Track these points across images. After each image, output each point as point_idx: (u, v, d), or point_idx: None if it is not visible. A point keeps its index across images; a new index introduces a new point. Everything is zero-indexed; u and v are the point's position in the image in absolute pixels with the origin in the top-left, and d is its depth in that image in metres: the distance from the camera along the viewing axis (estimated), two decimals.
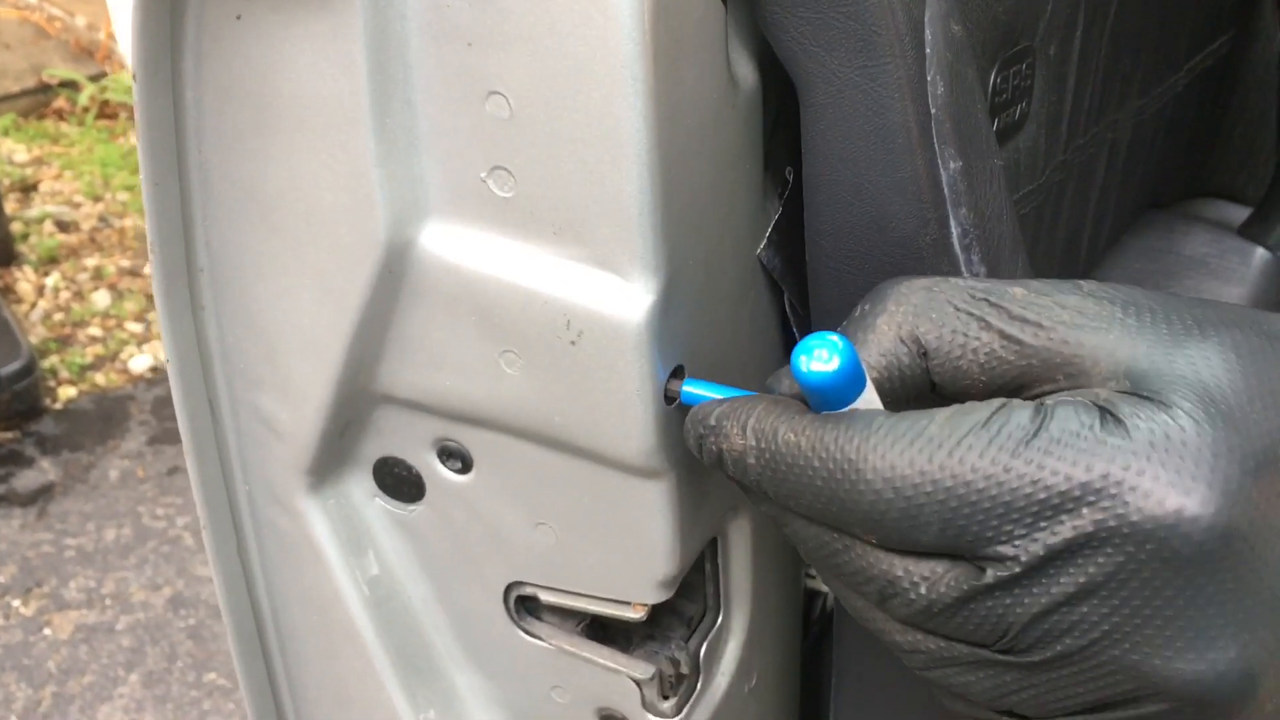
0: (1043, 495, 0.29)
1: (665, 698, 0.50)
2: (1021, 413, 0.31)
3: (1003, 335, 0.33)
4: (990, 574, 0.30)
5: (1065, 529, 0.29)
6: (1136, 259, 0.90)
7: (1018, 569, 0.30)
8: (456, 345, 0.43)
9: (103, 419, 2.57)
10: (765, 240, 0.47)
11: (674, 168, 0.38)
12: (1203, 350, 0.31)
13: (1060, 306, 0.33)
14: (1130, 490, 0.29)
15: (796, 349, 0.33)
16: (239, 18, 0.40)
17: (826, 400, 0.33)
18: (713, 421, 0.36)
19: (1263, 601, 0.29)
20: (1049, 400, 0.31)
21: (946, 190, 0.43)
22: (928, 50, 0.42)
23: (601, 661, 0.50)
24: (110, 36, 3.95)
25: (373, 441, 0.48)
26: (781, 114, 0.46)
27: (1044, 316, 0.33)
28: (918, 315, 0.35)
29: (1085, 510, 0.29)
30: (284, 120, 0.41)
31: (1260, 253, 0.96)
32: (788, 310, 0.50)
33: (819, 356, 0.32)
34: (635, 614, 0.48)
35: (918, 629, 0.33)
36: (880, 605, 0.34)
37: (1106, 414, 0.30)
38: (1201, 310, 0.33)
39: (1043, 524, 0.29)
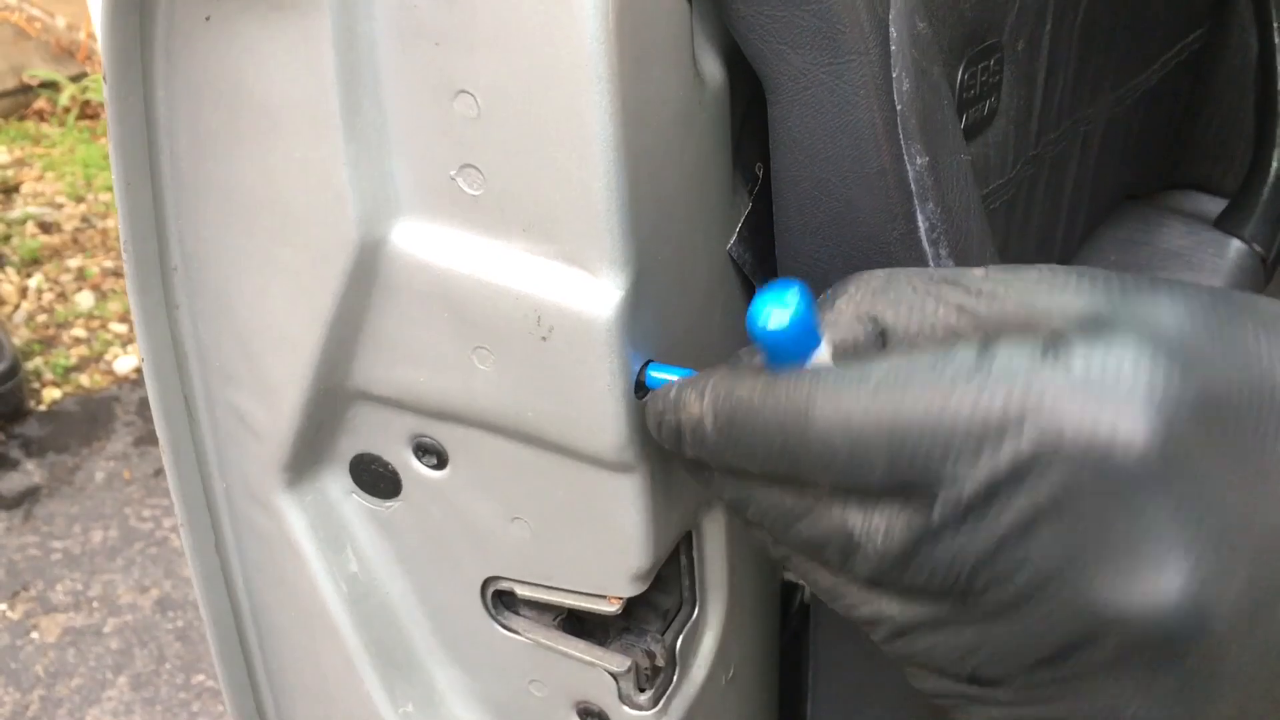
0: (981, 421, 0.30)
1: (642, 690, 0.51)
2: (967, 350, 0.31)
3: (959, 308, 0.34)
4: (938, 512, 0.31)
5: (1005, 454, 0.29)
6: (1112, 251, 0.90)
7: (963, 502, 0.30)
8: (429, 342, 0.43)
9: (88, 420, 2.57)
10: (736, 235, 0.47)
11: (641, 165, 0.39)
12: (1155, 300, 0.31)
13: (1017, 278, 0.34)
14: (1068, 412, 0.29)
15: (752, 304, 0.34)
16: (208, 19, 0.40)
17: (782, 354, 0.34)
18: (672, 395, 0.37)
19: (1209, 528, 0.29)
20: (1002, 342, 0.32)
21: (913, 185, 0.44)
22: (893, 48, 0.42)
23: (578, 655, 0.50)
24: (91, 36, 3.94)
25: (349, 438, 0.49)
26: (750, 111, 0.47)
27: (999, 287, 0.34)
28: (876, 296, 0.36)
29: (1024, 432, 0.29)
30: (255, 120, 0.41)
31: (1235, 244, 0.97)
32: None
33: (773, 314, 0.33)
34: (611, 607, 0.48)
35: (879, 591, 0.34)
36: (842, 568, 0.34)
37: (1052, 348, 0.30)
38: (1163, 278, 0.33)
39: (985, 451, 0.30)
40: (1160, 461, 0.29)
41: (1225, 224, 0.98)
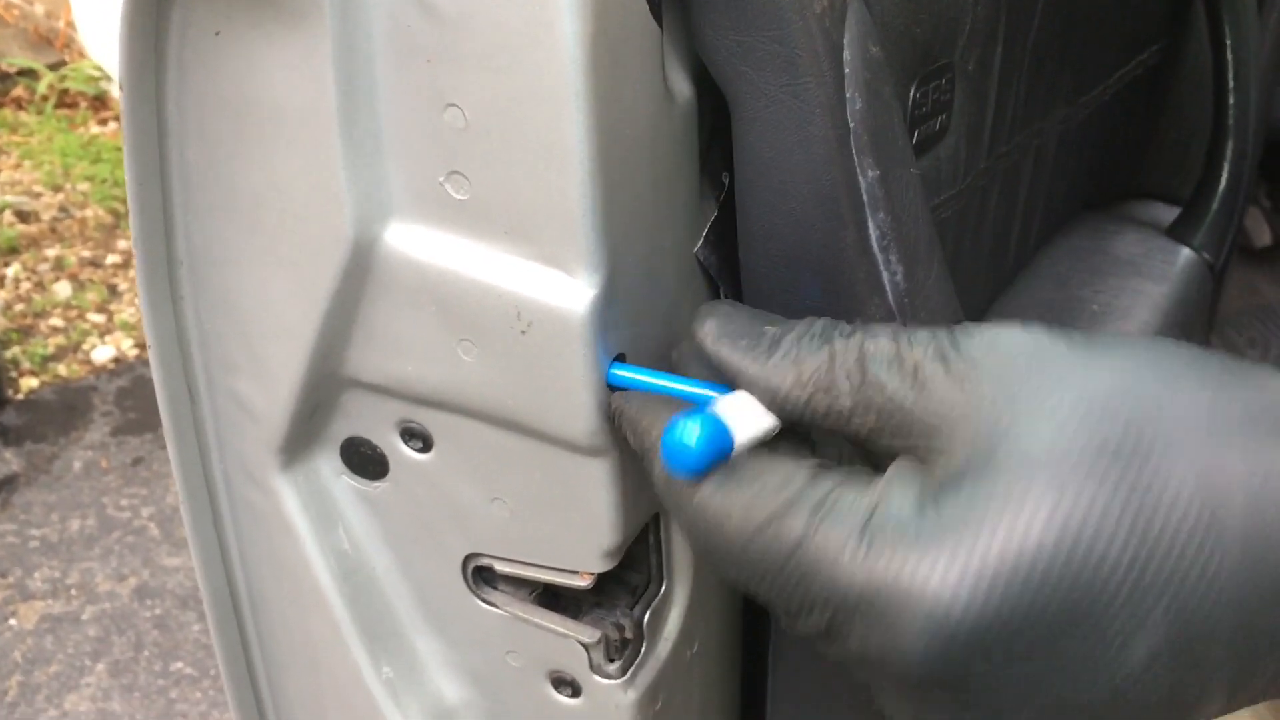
0: (803, 594, 0.35)
1: (611, 660, 0.55)
2: (798, 517, 0.36)
3: (878, 412, 0.37)
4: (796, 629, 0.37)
5: (813, 622, 0.35)
6: (1065, 258, 0.95)
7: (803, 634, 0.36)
8: (418, 334, 0.47)
9: (65, 410, 2.58)
10: (702, 240, 0.51)
11: (614, 174, 0.42)
12: (1032, 471, 0.32)
13: (934, 387, 0.36)
14: (860, 610, 0.34)
15: (664, 438, 0.38)
16: (218, 34, 0.44)
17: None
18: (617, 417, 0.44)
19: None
20: (841, 495, 0.36)
21: (865, 196, 0.48)
22: (846, 70, 0.46)
23: (552, 627, 0.54)
24: (70, 25, 3.92)
25: (340, 422, 0.52)
26: (717, 124, 0.51)
27: (912, 398, 0.36)
28: (810, 373, 0.38)
29: (829, 618, 0.35)
30: (259, 127, 0.45)
31: (1185, 253, 1.01)
32: None
33: (680, 449, 0.38)
34: (583, 582, 0.52)
35: None
36: None
37: (873, 522, 0.34)
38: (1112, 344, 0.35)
39: (805, 615, 0.35)
40: (927, 673, 0.32)
41: (1176, 233, 1.02)
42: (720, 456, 0.38)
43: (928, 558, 0.32)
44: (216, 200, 0.48)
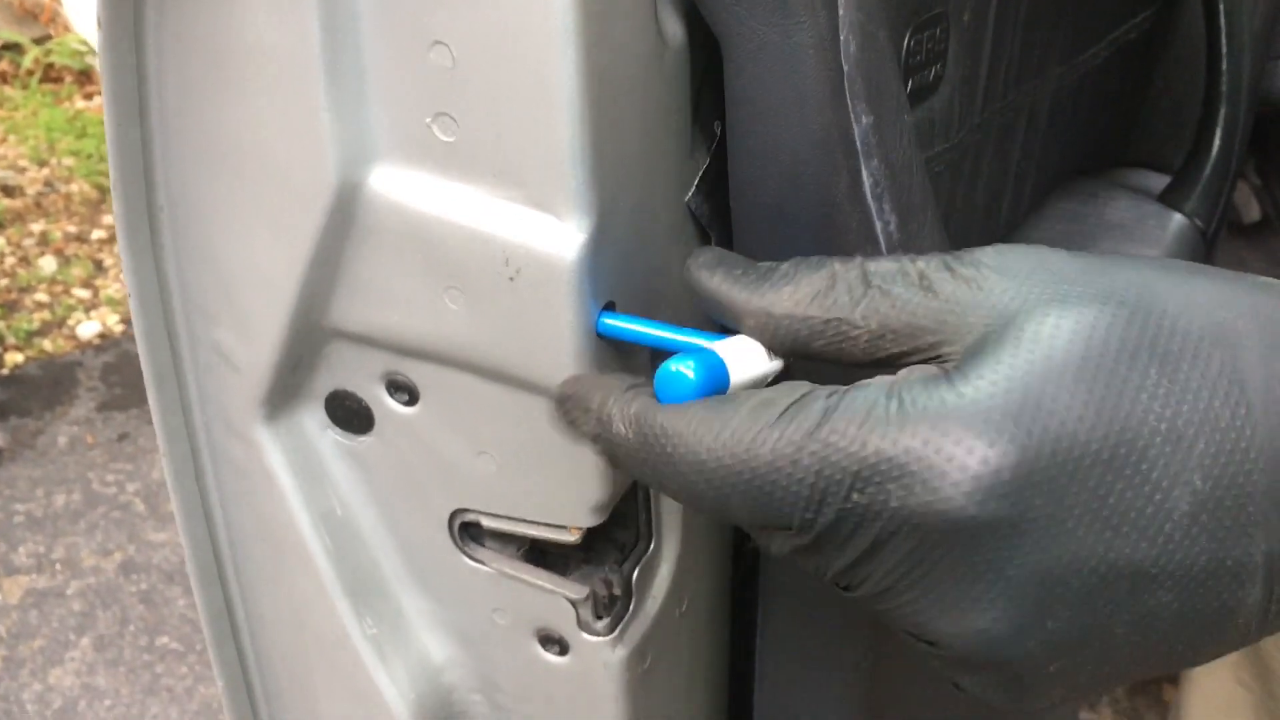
0: (825, 476, 0.33)
1: (599, 618, 0.54)
2: (815, 402, 0.34)
3: (882, 319, 0.36)
4: (791, 543, 0.35)
5: (837, 508, 0.33)
6: (1057, 222, 0.94)
7: (809, 539, 0.34)
8: (403, 282, 0.46)
9: (51, 385, 2.56)
10: (694, 188, 0.50)
11: (605, 117, 0.41)
12: (1056, 326, 0.32)
13: (941, 286, 0.35)
14: (894, 476, 0.32)
15: (658, 372, 0.37)
16: None
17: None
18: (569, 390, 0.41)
19: (1017, 582, 0.32)
20: (853, 387, 0.35)
21: (858, 143, 0.47)
22: (840, 11, 0.45)
23: (539, 583, 0.53)
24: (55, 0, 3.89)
25: (324, 376, 0.51)
26: (710, 71, 0.50)
27: (917, 300, 0.35)
28: (808, 300, 0.37)
29: (855, 495, 0.33)
30: (240, 69, 0.44)
31: (1177, 218, 1.01)
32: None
33: (675, 380, 0.37)
34: (571, 537, 0.51)
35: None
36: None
37: (896, 395, 0.33)
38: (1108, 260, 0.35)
39: (827, 502, 0.33)
40: (975, 527, 0.31)
41: (1168, 199, 1.01)
42: (717, 392, 0.37)
43: (963, 413, 0.31)
44: (197, 145, 0.47)
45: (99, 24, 0.43)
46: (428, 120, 0.42)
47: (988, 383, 0.32)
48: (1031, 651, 0.33)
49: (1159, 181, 1.06)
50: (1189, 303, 0.33)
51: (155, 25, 0.45)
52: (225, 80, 0.45)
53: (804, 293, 0.37)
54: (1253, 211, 2.19)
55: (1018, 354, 0.32)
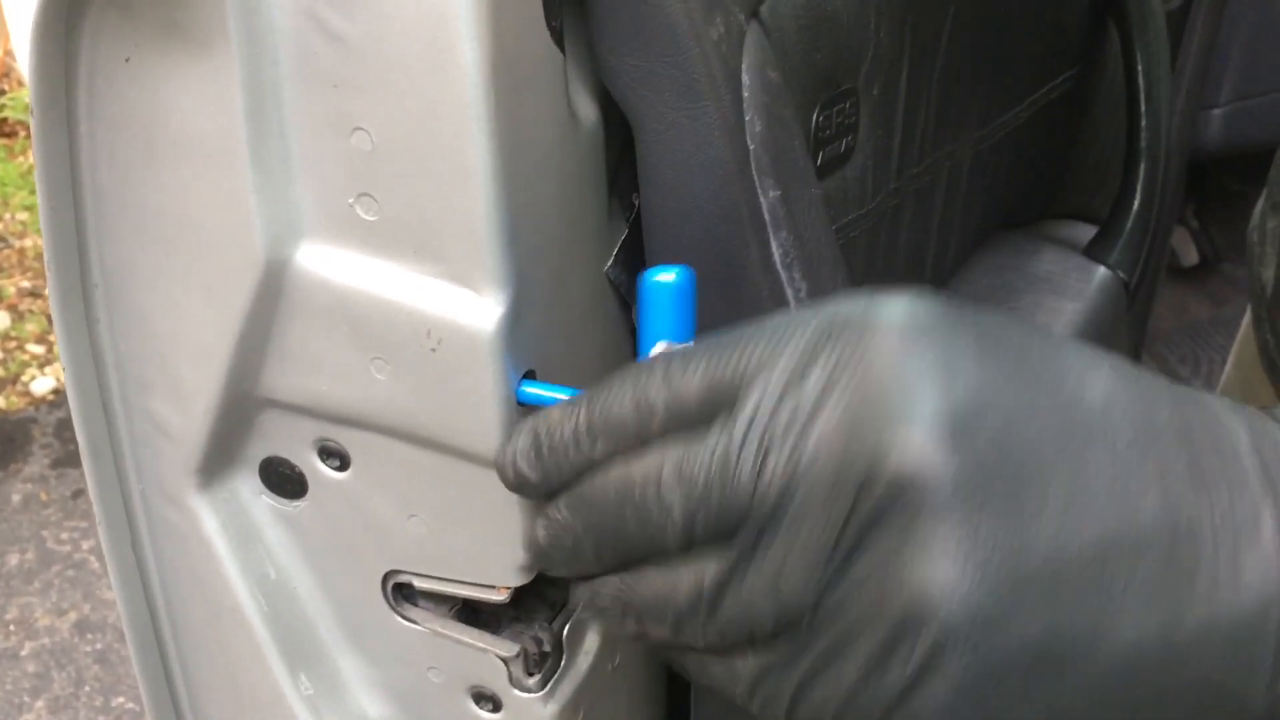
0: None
1: (531, 674, 0.55)
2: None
3: None
4: (739, 540, 0.33)
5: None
6: (983, 276, 0.97)
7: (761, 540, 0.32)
8: (331, 353, 0.48)
9: (4, 442, 2.53)
10: (612, 259, 0.53)
11: (519, 194, 0.44)
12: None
13: None
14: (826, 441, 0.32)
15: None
16: (128, 60, 0.45)
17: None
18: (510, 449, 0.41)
19: (986, 549, 0.31)
20: None
21: (766, 216, 0.50)
22: (745, 94, 0.48)
23: (471, 642, 0.55)
24: (8, 53, 3.88)
25: (258, 442, 0.53)
26: (626, 147, 0.52)
27: None
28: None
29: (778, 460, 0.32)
30: (170, 151, 0.46)
31: (1101, 271, 1.05)
32: (635, 322, 0.55)
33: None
34: (500, 596, 0.53)
35: (727, 644, 0.35)
36: (677, 635, 0.36)
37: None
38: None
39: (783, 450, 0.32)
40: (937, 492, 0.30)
41: (1092, 251, 1.05)
42: None
43: None
44: (130, 223, 0.49)
45: (30, 110, 0.45)
46: (350, 201, 0.44)
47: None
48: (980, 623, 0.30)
49: (1087, 232, 1.10)
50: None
51: (87, 110, 0.46)
52: (156, 162, 0.46)
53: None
54: (1191, 255, 2.25)
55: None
